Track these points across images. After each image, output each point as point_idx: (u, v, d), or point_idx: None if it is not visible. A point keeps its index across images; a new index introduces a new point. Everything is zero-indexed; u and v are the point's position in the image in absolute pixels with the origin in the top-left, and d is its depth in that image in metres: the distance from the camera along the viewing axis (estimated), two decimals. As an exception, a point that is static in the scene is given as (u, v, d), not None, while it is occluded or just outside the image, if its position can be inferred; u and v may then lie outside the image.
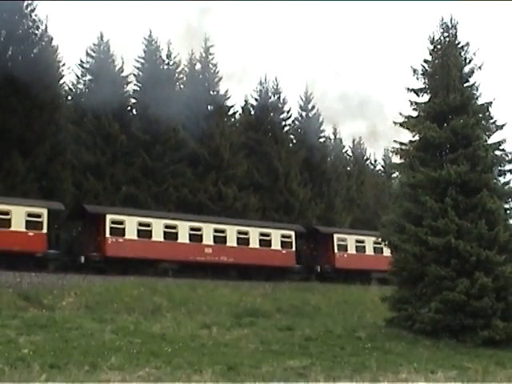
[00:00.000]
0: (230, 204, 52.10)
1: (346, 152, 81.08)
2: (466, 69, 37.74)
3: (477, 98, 37.51)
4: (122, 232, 41.31)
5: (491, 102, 37.42)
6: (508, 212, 36.92)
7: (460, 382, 21.76)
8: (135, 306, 32.85)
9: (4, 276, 32.68)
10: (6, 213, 37.25)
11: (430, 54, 37.80)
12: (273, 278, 44.52)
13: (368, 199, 72.60)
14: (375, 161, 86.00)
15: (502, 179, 37.20)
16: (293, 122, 65.33)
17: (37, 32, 45.58)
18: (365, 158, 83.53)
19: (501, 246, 34.11)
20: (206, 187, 51.98)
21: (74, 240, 42.57)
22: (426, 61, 37.81)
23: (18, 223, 37.51)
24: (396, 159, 39.63)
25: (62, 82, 51.06)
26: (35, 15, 45.63)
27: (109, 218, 41.06)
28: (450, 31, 37.76)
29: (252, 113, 62.27)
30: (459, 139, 35.83)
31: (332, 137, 76.80)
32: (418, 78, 37.86)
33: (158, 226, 42.68)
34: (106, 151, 49.94)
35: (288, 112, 63.33)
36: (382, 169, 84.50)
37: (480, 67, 37.56)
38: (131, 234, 41.53)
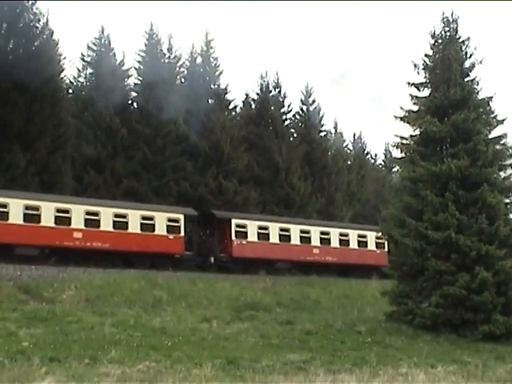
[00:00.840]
0: (231, 198, 52.07)
1: (346, 146, 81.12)
2: (467, 63, 37.71)
3: (477, 93, 37.50)
4: (245, 235, 45.59)
5: (492, 97, 37.43)
6: (508, 206, 36.93)
7: (460, 377, 21.76)
8: (135, 300, 32.87)
9: (4, 269, 32.70)
10: (151, 218, 41.92)
11: (431, 49, 37.77)
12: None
13: (368, 193, 72.62)
14: (376, 155, 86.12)
15: (502, 174, 37.19)
16: (293, 116, 65.36)
17: (38, 25, 45.50)
18: (365, 152, 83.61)
19: (501, 240, 34.13)
20: (207, 181, 51.94)
21: (203, 242, 45.38)
22: (426, 55, 37.78)
23: (161, 228, 42.21)
24: (397, 153, 39.69)
25: (62, 75, 50.93)
26: (36, 8, 45.59)
27: (234, 222, 45.26)
28: (451, 26, 37.73)
29: (253, 107, 62.22)
30: (460, 133, 35.80)
31: (333, 131, 76.92)
32: (418, 73, 37.84)
33: (274, 230, 46.70)
34: (107, 145, 49.93)
35: (289, 106, 63.35)
36: (382, 163, 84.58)
37: (481, 62, 37.60)
38: (252, 236, 45.81)
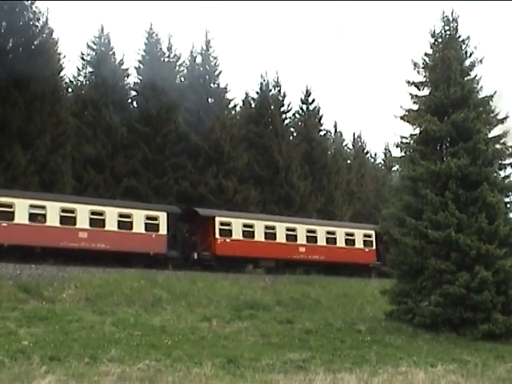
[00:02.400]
0: (231, 197, 52.06)
1: (346, 145, 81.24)
2: (467, 62, 37.79)
3: (477, 92, 37.53)
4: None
5: (492, 96, 37.47)
6: (508, 206, 37.00)
7: (459, 376, 21.75)
8: (135, 299, 32.87)
9: (4, 268, 32.64)
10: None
11: (431, 48, 37.82)
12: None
13: (368, 192, 72.69)
14: (375, 154, 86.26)
15: (502, 173, 37.32)
16: (293, 115, 65.46)
17: (37, 24, 45.42)
18: (365, 151, 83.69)
19: (501, 239, 34.17)
20: (207, 180, 51.94)
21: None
22: (426, 54, 37.82)
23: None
24: (396, 152, 39.75)
25: (62, 74, 50.99)
26: (36, 7, 45.53)
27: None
28: (451, 24, 37.79)
29: (253, 106, 62.25)
30: (460, 133, 35.81)
31: (332, 130, 76.99)
32: (418, 72, 37.88)
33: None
34: (107, 144, 49.92)
35: (288, 105, 63.38)
36: (382, 162, 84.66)
37: (481, 61, 37.65)
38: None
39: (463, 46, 37.80)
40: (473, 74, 37.78)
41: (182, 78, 58.00)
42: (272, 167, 57.59)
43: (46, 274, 33.40)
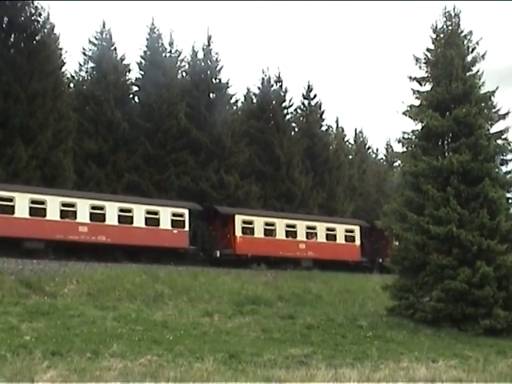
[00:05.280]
0: (232, 192, 52.07)
1: (347, 141, 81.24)
2: (469, 58, 37.72)
3: (479, 87, 37.47)
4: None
5: (494, 91, 37.43)
6: (510, 201, 36.98)
7: (461, 371, 21.76)
8: (137, 294, 32.92)
9: (6, 263, 32.67)
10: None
11: (433, 43, 37.78)
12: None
13: (370, 188, 72.65)
14: (377, 149, 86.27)
15: (504, 168, 37.38)
16: (295, 110, 65.44)
17: (39, 19, 45.39)
18: (367, 146, 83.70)
19: (502, 235, 34.18)
20: (208, 175, 51.93)
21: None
22: (428, 49, 37.78)
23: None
24: (398, 148, 39.72)
25: (64, 69, 50.92)
26: (37, 3, 45.50)
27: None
28: (453, 20, 37.73)
29: (254, 101, 62.24)
30: (461, 128, 35.81)
31: (334, 125, 76.97)
32: (420, 67, 37.84)
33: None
34: (108, 139, 49.93)
35: (290, 100, 63.31)
36: (383, 157, 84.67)
37: (483, 56, 37.57)
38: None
39: (465, 42, 37.73)
40: (475, 69, 37.76)
41: (184, 74, 57.96)
42: (273, 162, 57.59)
43: (47, 269, 33.44)
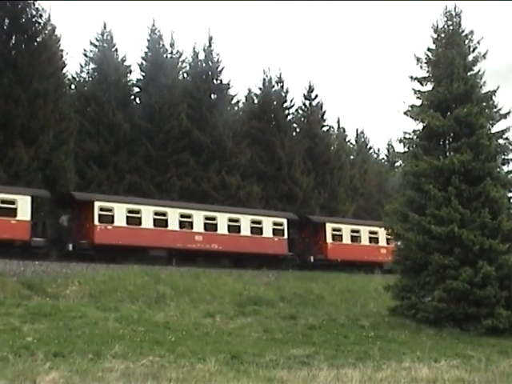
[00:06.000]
0: (234, 193, 52.10)
1: (349, 141, 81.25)
2: (470, 57, 37.69)
3: (481, 87, 37.45)
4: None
5: (495, 91, 37.39)
6: (511, 201, 36.91)
7: (463, 371, 21.76)
8: (139, 295, 32.90)
9: (8, 265, 32.70)
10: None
11: (434, 43, 37.76)
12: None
13: (371, 188, 72.66)
14: (378, 149, 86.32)
15: (505, 168, 37.29)
16: (296, 110, 65.38)
17: (40, 21, 45.43)
18: (368, 146, 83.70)
19: (504, 234, 34.15)
20: (210, 176, 51.96)
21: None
22: (429, 49, 37.76)
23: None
24: (399, 148, 39.73)
25: (65, 71, 50.95)
26: (38, 4, 45.51)
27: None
28: (454, 19, 37.72)
29: (255, 102, 62.24)
30: (463, 128, 35.80)
31: (335, 126, 76.97)
32: (421, 67, 37.83)
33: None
34: (110, 140, 49.95)
35: (291, 101, 63.28)
36: (385, 157, 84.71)
37: (484, 55, 37.53)
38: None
39: (466, 41, 37.70)
40: (476, 68, 37.74)
41: (185, 75, 58.01)
42: (275, 163, 57.62)
43: (49, 271, 33.47)
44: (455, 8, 37.74)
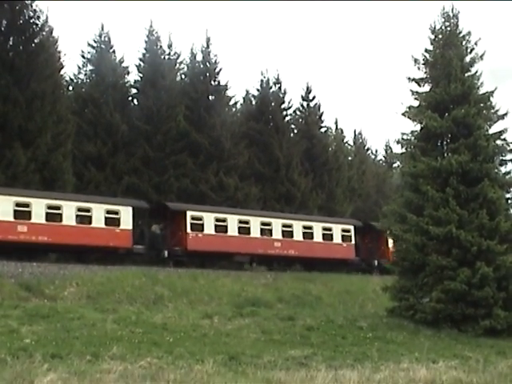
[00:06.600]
0: (232, 194, 52.07)
1: (347, 142, 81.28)
2: (468, 58, 37.73)
3: (478, 88, 37.48)
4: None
5: (493, 92, 37.44)
6: (509, 202, 36.99)
7: (461, 372, 21.76)
8: (137, 296, 32.89)
9: (5, 266, 32.66)
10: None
11: (431, 44, 37.79)
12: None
13: (369, 189, 72.69)
14: (376, 150, 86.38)
15: (503, 169, 37.36)
16: (294, 112, 65.37)
17: (37, 22, 45.34)
18: (366, 147, 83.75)
19: (502, 235, 34.18)
20: (208, 177, 51.91)
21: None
22: (427, 50, 37.80)
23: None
24: (397, 149, 39.77)
25: (62, 72, 50.89)
26: (36, 6, 45.46)
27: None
28: (452, 20, 37.75)
29: (253, 103, 62.20)
30: (460, 129, 35.83)
31: (333, 127, 76.99)
32: (419, 68, 37.89)
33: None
34: (107, 141, 49.86)
35: (289, 102, 63.21)
36: (383, 158, 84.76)
37: (481, 56, 37.57)
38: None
39: (463, 42, 37.74)
40: (473, 69, 37.77)
41: (183, 76, 57.96)
42: (273, 164, 57.61)
43: (47, 272, 33.42)
44: (453, 9, 37.82)
